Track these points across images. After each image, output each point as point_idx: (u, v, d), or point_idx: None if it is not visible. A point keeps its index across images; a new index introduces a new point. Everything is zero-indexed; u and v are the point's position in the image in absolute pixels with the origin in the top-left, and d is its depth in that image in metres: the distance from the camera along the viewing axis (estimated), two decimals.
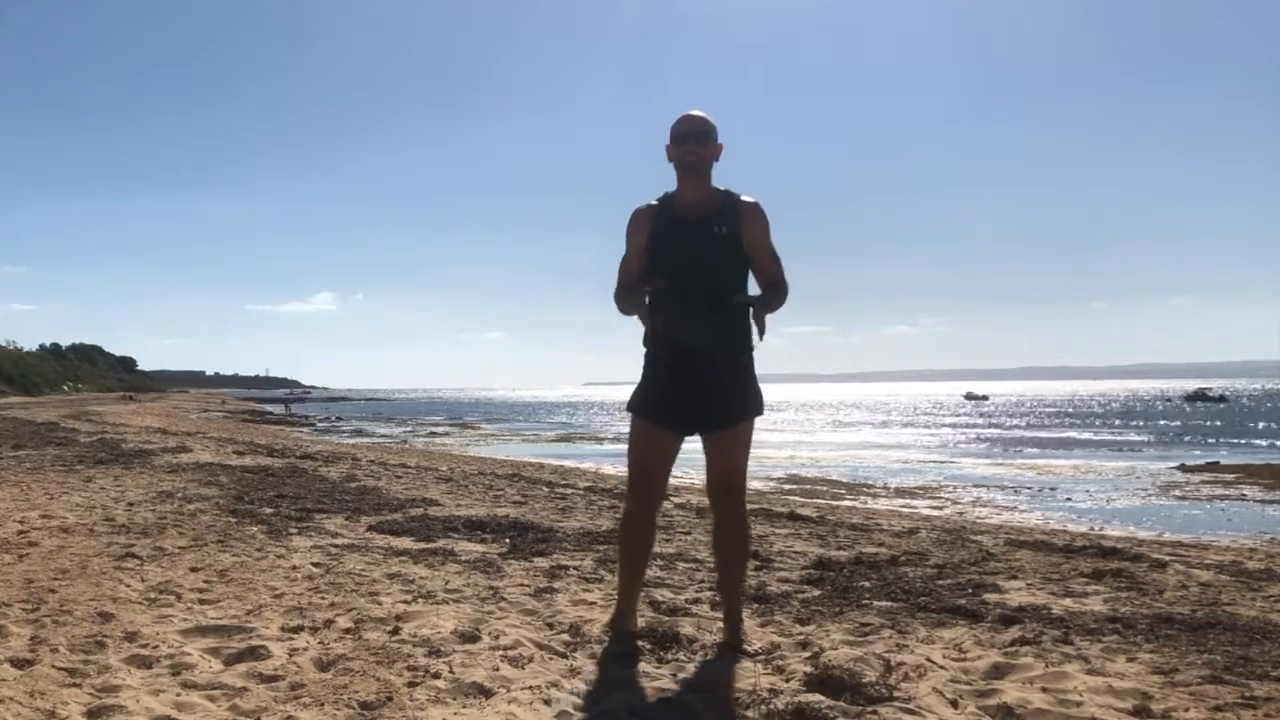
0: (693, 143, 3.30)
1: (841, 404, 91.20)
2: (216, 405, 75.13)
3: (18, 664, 3.07)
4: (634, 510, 3.46)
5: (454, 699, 2.82)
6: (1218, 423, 43.90)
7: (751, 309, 3.28)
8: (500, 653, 3.27)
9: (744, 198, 3.35)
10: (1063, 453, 26.46)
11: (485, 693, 2.87)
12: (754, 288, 3.38)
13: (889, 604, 4.18)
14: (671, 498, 8.62)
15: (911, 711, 2.74)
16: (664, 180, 3.45)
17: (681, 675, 3.10)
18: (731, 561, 3.49)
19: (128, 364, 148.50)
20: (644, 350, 3.44)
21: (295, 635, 3.49)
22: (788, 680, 3.02)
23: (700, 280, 3.26)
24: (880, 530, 7.32)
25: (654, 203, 3.39)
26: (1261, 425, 40.88)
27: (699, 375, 3.29)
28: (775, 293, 3.33)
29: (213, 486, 8.72)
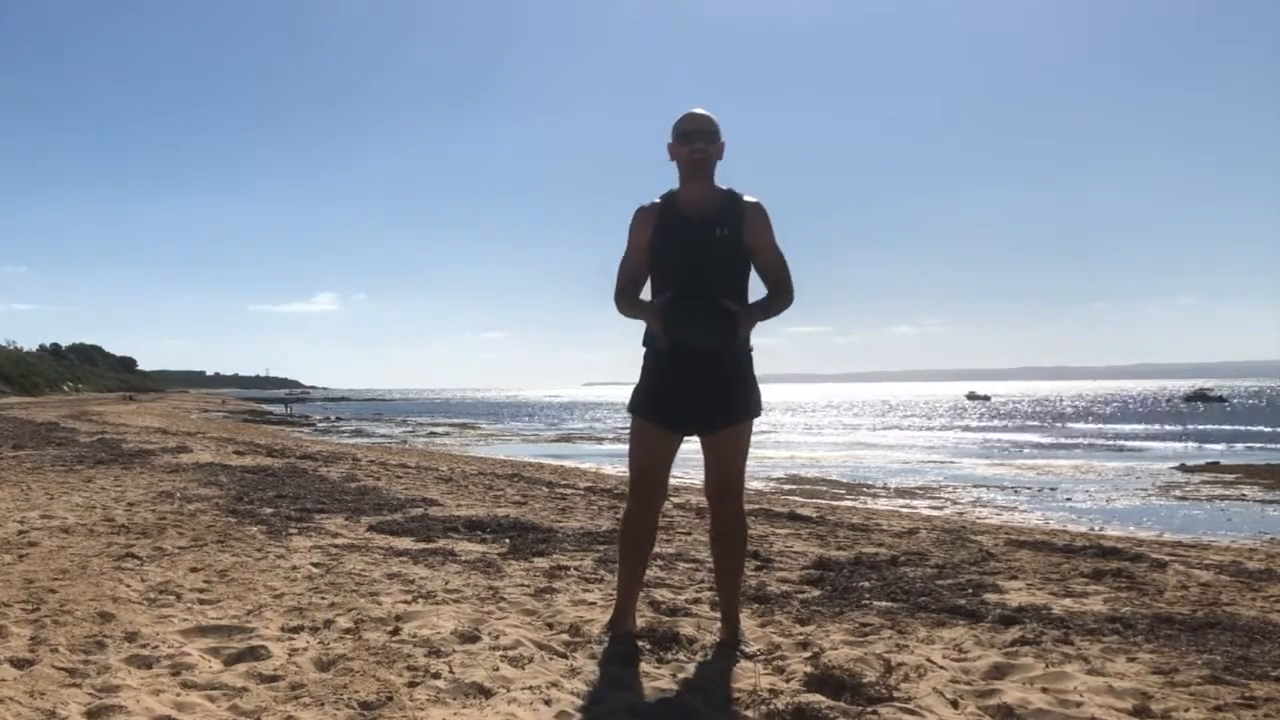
0: (700, 141, 3.28)
1: (842, 404, 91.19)
2: (216, 405, 75.15)
3: (18, 664, 3.07)
4: (635, 510, 3.44)
5: (454, 699, 2.82)
6: (1218, 423, 43.88)
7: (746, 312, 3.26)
8: (500, 653, 3.27)
9: (746, 198, 3.33)
10: (1063, 453, 26.47)
11: (485, 693, 2.87)
12: (755, 286, 3.37)
13: (889, 604, 4.18)
14: (671, 498, 8.61)
15: (911, 712, 2.74)
16: (665, 180, 3.42)
17: (681, 675, 3.10)
18: (730, 562, 3.48)
19: (128, 364, 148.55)
20: (643, 349, 3.43)
21: (295, 635, 3.49)
22: (788, 680, 3.02)
23: (702, 281, 3.26)
24: (880, 530, 7.32)
25: (657, 201, 3.37)
26: (1262, 426, 40.86)
27: (698, 375, 3.28)
28: (780, 296, 3.32)
29: (213, 486, 8.72)
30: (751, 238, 3.29)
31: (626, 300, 3.35)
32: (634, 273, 3.36)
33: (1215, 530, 10.90)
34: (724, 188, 3.35)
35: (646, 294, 3.41)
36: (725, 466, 3.37)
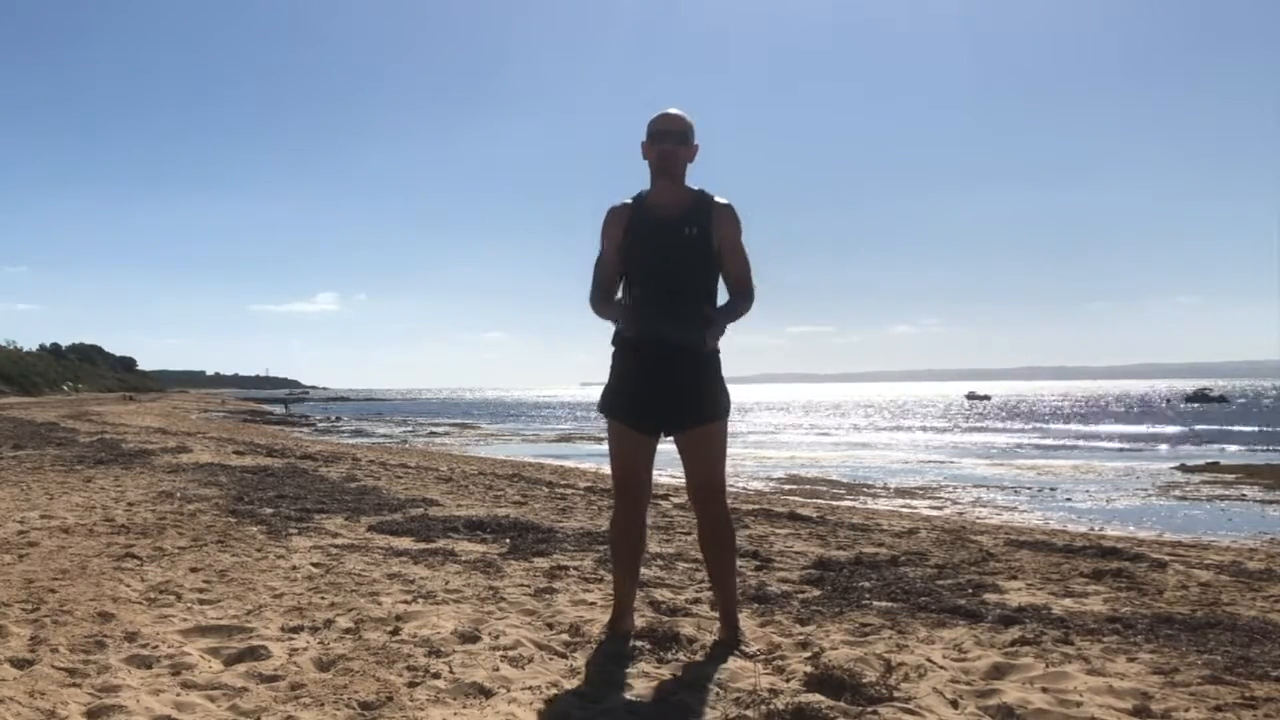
0: (670, 142, 3.30)
1: (842, 404, 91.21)
2: (216, 405, 75.14)
3: (18, 664, 3.07)
4: (622, 511, 3.49)
5: (454, 699, 2.82)
6: (1218, 423, 43.87)
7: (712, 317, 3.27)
8: (500, 653, 3.27)
9: (717, 199, 3.36)
10: (1063, 453, 26.47)
11: (485, 693, 2.88)
12: (724, 288, 3.40)
13: (889, 604, 4.18)
14: (671, 497, 8.62)
15: (911, 711, 2.74)
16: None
17: (681, 675, 3.10)
18: (719, 561, 3.49)
19: (128, 364, 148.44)
20: (612, 350, 3.45)
21: (295, 635, 3.49)
22: (788, 680, 3.02)
23: (669, 281, 3.28)
24: (880, 530, 7.31)
25: (628, 201, 3.40)
26: (1262, 426, 40.85)
27: (665, 375, 3.30)
28: (743, 300, 3.35)
29: (213, 486, 8.72)
30: (719, 238, 3.31)
31: (600, 302, 3.38)
32: (608, 274, 3.39)
33: (1215, 530, 10.90)
34: (695, 188, 3.37)
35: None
36: (701, 467, 3.39)
